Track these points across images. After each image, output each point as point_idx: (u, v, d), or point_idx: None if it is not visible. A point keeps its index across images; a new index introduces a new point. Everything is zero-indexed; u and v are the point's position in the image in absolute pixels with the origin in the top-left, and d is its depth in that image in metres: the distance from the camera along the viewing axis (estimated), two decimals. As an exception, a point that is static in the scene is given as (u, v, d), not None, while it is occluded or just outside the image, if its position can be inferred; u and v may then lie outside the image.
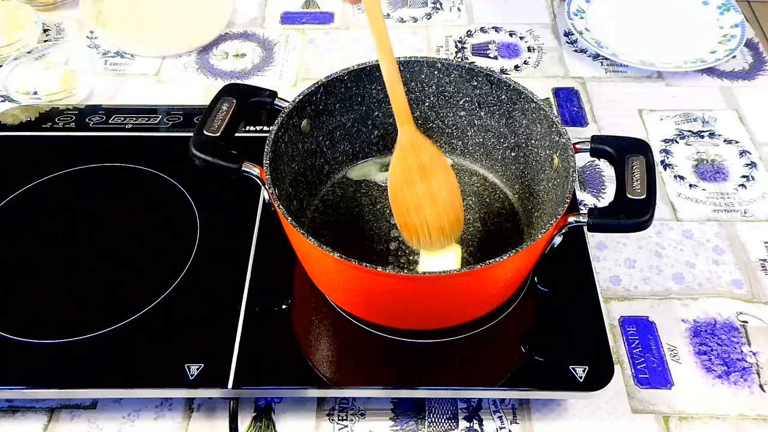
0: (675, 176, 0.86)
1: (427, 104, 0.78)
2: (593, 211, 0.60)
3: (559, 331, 0.68)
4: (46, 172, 0.82)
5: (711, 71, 1.00)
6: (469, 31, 1.07)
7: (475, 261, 0.72)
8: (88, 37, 1.06)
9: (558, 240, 0.63)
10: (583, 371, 0.64)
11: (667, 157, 0.89)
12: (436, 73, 0.75)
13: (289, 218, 0.60)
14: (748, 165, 0.88)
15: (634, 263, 0.78)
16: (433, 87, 0.76)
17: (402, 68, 0.74)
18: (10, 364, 0.65)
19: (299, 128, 0.72)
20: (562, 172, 0.66)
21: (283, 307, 0.70)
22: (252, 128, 0.86)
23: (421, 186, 0.65)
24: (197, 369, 0.64)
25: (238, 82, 0.93)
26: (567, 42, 1.05)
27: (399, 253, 0.72)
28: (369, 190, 0.78)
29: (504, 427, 0.65)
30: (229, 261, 0.73)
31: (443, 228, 0.65)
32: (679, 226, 0.81)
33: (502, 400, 0.67)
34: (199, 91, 0.97)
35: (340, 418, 0.66)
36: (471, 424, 0.65)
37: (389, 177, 0.66)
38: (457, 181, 0.66)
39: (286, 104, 0.69)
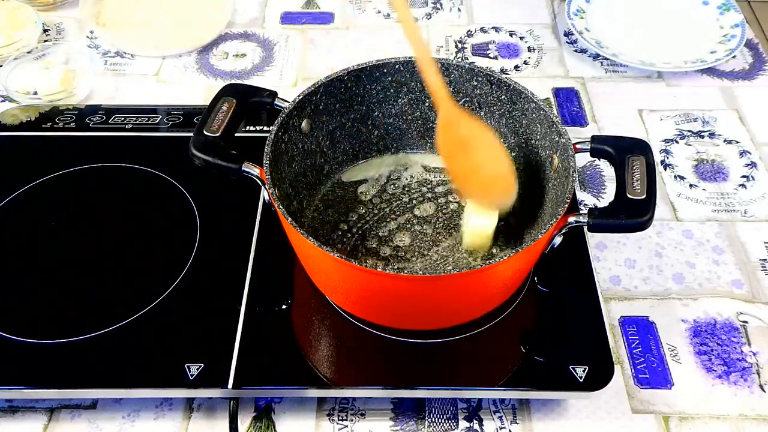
0: (675, 176, 0.86)
1: (427, 104, 0.78)
2: (593, 211, 0.60)
3: (559, 331, 0.68)
4: (46, 172, 0.82)
5: (711, 71, 1.00)
6: (469, 31, 1.07)
7: (475, 261, 0.72)
8: (88, 37, 1.06)
9: (558, 240, 0.63)
10: (583, 371, 0.64)
11: (667, 157, 0.89)
12: (436, 73, 0.75)
13: (289, 218, 0.60)
14: (748, 165, 0.88)
15: (634, 263, 0.78)
16: (433, 87, 0.76)
17: (402, 68, 0.74)
18: (10, 364, 0.65)
19: (299, 128, 0.72)
20: (562, 172, 0.66)
21: (283, 307, 0.70)
22: (252, 128, 0.86)
23: (464, 160, 0.68)
24: (197, 369, 0.64)
25: (238, 82, 0.93)
26: (567, 42, 1.05)
27: (399, 254, 0.72)
28: (369, 190, 0.78)
29: (504, 427, 0.65)
30: (229, 261, 0.73)
31: (492, 196, 0.69)
32: (679, 226, 0.81)
33: (502, 400, 0.67)
34: (199, 91, 0.97)
35: (340, 418, 0.66)
36: (471, 424, 0.65)
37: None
38: (505, 153, 0.68)
39: (286, 104, 0.69)
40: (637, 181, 0.62)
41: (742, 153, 0.89)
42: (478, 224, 0.69)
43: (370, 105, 0.77)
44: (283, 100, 0.70)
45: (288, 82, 0.99)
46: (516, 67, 1.01)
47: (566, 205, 0.61)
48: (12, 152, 0.85)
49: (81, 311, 0.69)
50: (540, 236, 0.59)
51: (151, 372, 0.65)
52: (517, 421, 0.66)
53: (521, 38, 1.06)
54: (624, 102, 0.96)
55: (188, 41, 1.02)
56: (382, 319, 0.67)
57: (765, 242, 0.80)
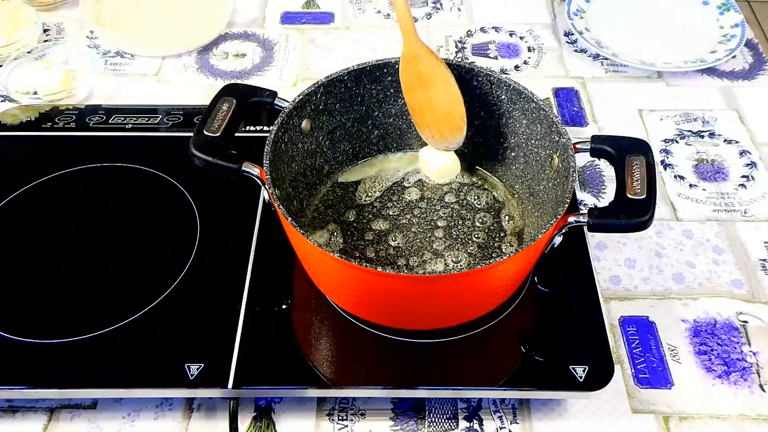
0: (675, 176, 0.86)
1: (427, 104, 0.78)
2: (593, 211, 0.60)
3: (559, 331, 0.68)
4: (46, 172, 0.82)
5: (711, 71, 1.00)
6: (469, 31, 1.07)
7: (475, 261, 0.72)
8: (88, 37, 1.06)
9: (558, 240, 0.63)
10: (583, 371, 0.64)
11: (667, 157, 0.89)
12: (436, 73, 0.75)
13: (289, 218, 0.60)
14: (748, 165, 0.88)
15: (634, 263, 0.78)
16: (433, 87, 0.76)
17: (402, 68, 0.75)
18: (10, 364, 0.65)
19: (299, 128, 0.72)
20: (562, 172, 0.66)
21: (283, 307, 0.70)
22: (252, 128, 0.86)
23: (421, 93, 0.73)
24: (197, 369, 0.64)
25: (238, 82, 0.93)
26: (567, 42, 1.05)
27: (399, 254, 0.72)
28: (369, 190, 0.78)
29: (504, 427, 0.65)
30: (229, 261, 0.73)
31: (443, 133, 0.74)
32: (679, 226, 0.81)
33: (502, 400, 0.67)
34: (199, 91, 0.97)
35: (340, 418, 0.66)
36: (471, 424, 0.65)
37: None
38: (459, 93, 0.72)
39: (286, 104, 0.69)
40: (637, 181, 0.62)
41: (742, 153, 0.89)
42: (442, 163, 0.77)
43: (370, 105, 0.77)
44: (283, 100, 0.70)
45: (288, 82, 0.99)
46: (516, 67, 1.01)
47: (566, 205, 0.61)
48: (12, 152, 0.85)
49: (81, 311, 0.69)
50: (540, 236, 0.59)
51: (151, 372, 0.65)
52: (517, 421, 0.66)
53: (521, 38, 1.06)
54: (624, 102, 0.96)
55: (188, 41, 1.02)
56: (382, 319, 0.67)
57: (765, 242, 0.80)
